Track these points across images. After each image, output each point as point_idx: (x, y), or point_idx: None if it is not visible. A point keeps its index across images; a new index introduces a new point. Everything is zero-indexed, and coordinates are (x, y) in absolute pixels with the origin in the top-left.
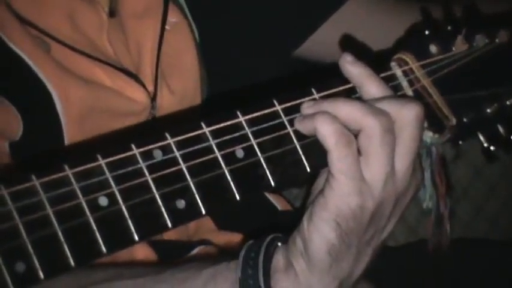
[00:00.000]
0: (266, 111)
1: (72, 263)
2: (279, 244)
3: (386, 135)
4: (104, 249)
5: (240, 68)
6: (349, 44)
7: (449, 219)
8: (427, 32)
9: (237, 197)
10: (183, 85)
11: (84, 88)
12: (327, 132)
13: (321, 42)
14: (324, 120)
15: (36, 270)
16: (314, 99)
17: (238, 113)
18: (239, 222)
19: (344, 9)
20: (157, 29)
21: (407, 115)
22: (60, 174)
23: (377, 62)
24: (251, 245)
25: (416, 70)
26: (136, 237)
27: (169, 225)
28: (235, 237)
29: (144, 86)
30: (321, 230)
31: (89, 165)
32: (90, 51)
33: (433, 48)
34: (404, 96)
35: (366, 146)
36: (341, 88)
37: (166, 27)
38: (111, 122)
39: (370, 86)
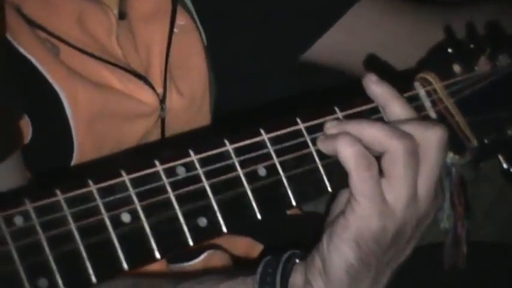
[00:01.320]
0: (289, 129)
1: (93, 279)
2: (297, 261)
3: (410, 158)
4: (125, 265)
5: (247, 70)
6: (373, 63)
7: (466, 240)
8: (450, 51)
9: (259, 216)
10: (191, 87)
11: (93, 91)
12: (348, 154)
13: (329, 46)
14: (345, 141)
15: (58, 286)
16: (337, 119)
17: (262, 130)
18: (247, 227)
19: (352, 12)
20: (166, 32)
21: (431, 138)
22: (84, 190)
23: (400, 81)
24: (268, 260)
25: (440, 90)
26: (157, 255)
27: (190, 243)
28: (243, 241)
29: (153, 88)
30: (340, 251)
31: (112, 181)
32: (100, 54)
33: (456, 68)
34: (428, 119)
35: (390, 168)
36: (364, 107)
37: (175, 30)
38: (120, 125)
39: (395, 106)
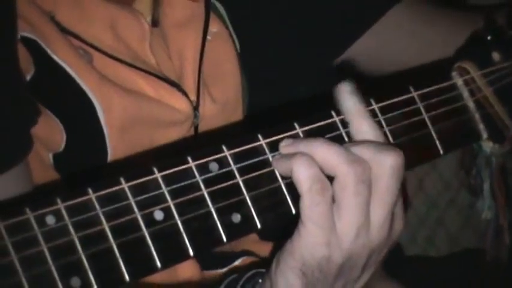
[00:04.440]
0: (327, 121)
1: (126, 278)
2: (260, 281)
3: (359, 186)
4: (158, 264)
5: (280, 76)
6: (346, 71)
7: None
8: (489, 38)
9: (293, 211)
10: (224, 94)
11: (126, 98)
12: (302, 177)
13: (360, 52)
14: (300, 163)
15: (91, 286)
16: (294, 136)
17: (296, 124)
18: (281, 233)
19: (385, 19)
20: (199, 39)
21: (385, 164)
22: (116, 188)
23: (437, 70)
24: (231, 280)
25: (478, 79)
26: (191, 252)
27: (224, 239)
28: (268, 246)
29: (186, 95)
30: (286, 277)
31: (145, 179)
32: (132, 61)
33: (495, 56)
34: (385, 144)
35: (339, 195)
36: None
37: (208, 37)
38: (153, 132)
39: (362, 123)
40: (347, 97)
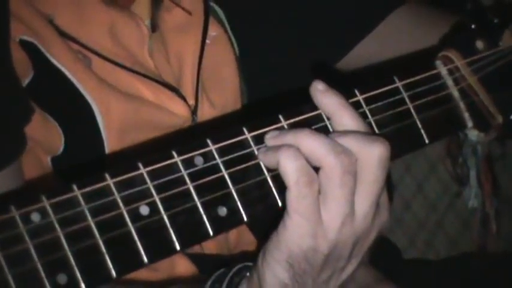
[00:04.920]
0: (312, 113)
1: (113, 273)
2: (248, 274)
3: (345, 177)
4: (145, 259)
5: (279, 81)
6: (320, 70)
7: (495, 218)
8: (473, 27)
9: (279, 203)
10: (223, 98)
11: (125, 102)
12: (288, 169)
13: (361, 55)
14: (287, 155)
15: (78, 282)
16: (281, 128)
17: (281, 117)
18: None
19: (386, 22)
20: (198, 43)
21: (371, 155)
22: (102, 184)
23: (421, 60)
24: (219, 274)
25: (462, 68)
26: (177, 247)
27: (211, 233)
28: None
29: (185, 99)
30: (273, 270)
31: (130, 174)
32: (131, 65)
33: (479, 44)
34: (370, 134)
35: (325, 186)
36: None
37: (207, 41)
38: (152, 135)
39: (342, 117)
40: (321, 95)
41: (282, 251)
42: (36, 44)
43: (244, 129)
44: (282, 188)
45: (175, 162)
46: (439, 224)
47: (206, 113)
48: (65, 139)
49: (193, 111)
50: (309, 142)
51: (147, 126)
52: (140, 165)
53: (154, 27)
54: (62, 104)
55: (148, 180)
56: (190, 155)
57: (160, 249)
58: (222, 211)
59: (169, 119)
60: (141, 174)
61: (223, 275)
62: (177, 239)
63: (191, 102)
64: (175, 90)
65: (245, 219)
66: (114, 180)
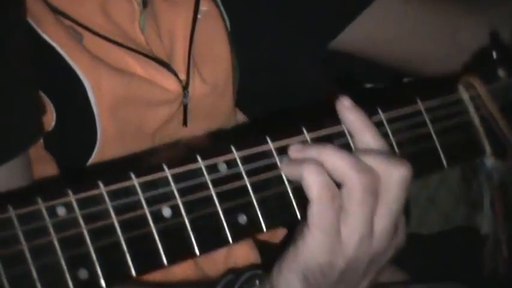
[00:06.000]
0: (335, 127)
1: (133, 272)
2: (257, 282)
3: (366, 195)
4: (164, 260)
5: (271, 57)
6: (346, 82)
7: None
8: (495, 56)
9: (298, 216)
10: (214, 74)
11: (116, 77)
12: (312, 183)
13: (356, 35)
14: (311, 170)
15: (98, 278)
16: (304, 141)
17: (304, 129)
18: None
19: (380, 1)
20: (190, 18)
21: (394, 176)
22: (127, 183)
23: (444, 83)
24: (228, 281)
25: (484, 95)
26: (197, 251)
27: (230, 240)
28: None
29: (176, 74)
30: (288, 281)
31: (155, 176)
32: (123, 41)
33: (501, 73)
34: (393, 154)
35: (346, 203)
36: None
37: (198, 16)
38: (143, 111)
39: (365, 135)
40: (347, 112)
41: (298, 263)
42: (28, 19)
43: (268, 139)
44: (302, 201)
45: (200, 167)
46: (431, 200)
47: (197, 88)
48: (57, 115)
49: (185, 87)
50: (333, 158)
51: (138, 101)
52: (165, 166)
53: (145, 2)
54: (53, 79)
55: (172, 183)
56: (214, 161)
57: (179, 252)
58: (242, 219)
59: (160, 94)
60: (165, 176)
61: (232, 283)
62: (197, 243)
63: (182, 77)
64: (166, 65)
65: (264, 229)
66: (139, 180)
